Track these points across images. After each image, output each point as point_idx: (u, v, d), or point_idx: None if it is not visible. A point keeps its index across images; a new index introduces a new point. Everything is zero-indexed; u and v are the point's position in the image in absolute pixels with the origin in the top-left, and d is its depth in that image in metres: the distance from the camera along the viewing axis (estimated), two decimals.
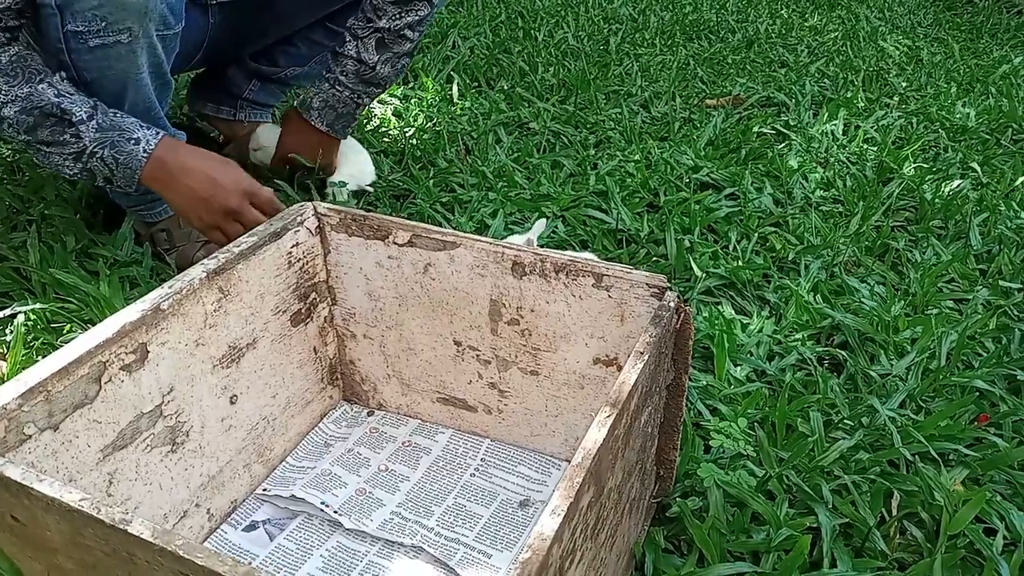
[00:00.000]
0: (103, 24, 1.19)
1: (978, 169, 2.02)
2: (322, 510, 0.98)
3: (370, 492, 1.02)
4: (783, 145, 2.11)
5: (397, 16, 1.51)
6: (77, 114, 1.18)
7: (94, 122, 1.19)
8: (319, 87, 1.61)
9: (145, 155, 1.22)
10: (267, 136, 1.70)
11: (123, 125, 1.21)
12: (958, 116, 2.39)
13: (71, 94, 1.18)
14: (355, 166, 1.72)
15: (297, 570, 0.92)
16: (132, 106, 1.25)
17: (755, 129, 2.17)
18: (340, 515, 0.98)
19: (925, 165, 2.02)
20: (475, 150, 1.97)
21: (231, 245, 0.93)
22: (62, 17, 1.17)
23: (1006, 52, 3.20)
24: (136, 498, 0.85)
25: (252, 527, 0.98)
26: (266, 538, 0.97)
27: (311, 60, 1.77)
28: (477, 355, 1.04)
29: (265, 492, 1.02)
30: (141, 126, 1.23)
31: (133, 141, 1.21)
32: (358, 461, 1.07)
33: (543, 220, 1.49)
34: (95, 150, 1.20)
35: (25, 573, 0.72)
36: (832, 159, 2.03)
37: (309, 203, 1.03)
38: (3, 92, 1.15)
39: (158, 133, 1.24)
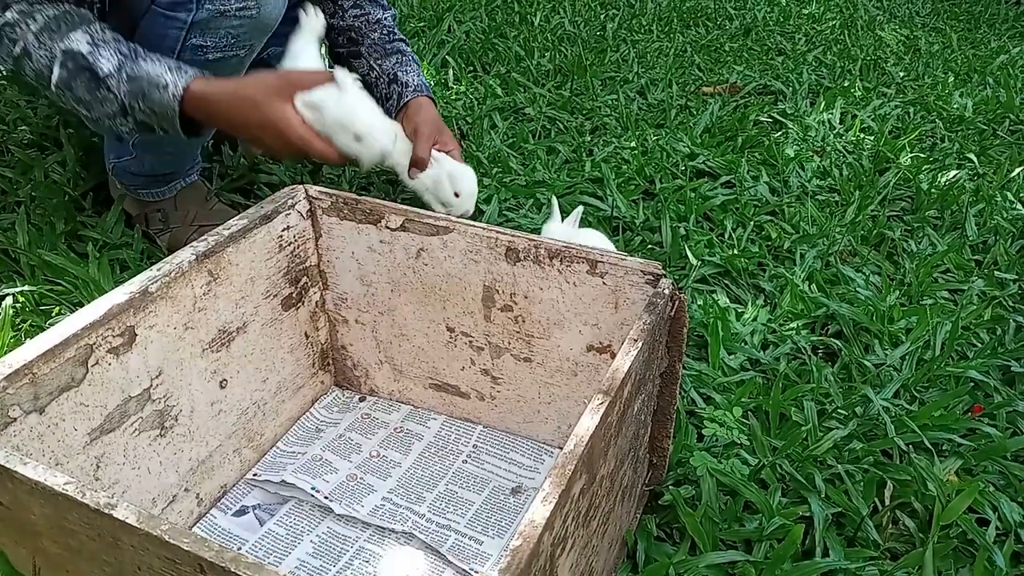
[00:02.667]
0: (232, 41, 1.20)
1: (975, 159, 2.01)
2: (312, 495, 0.97)
3: (361, 478, 1.01)
4: (780, 133, 2.10)
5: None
6: (104, 67, 1.09)
7: (123, 73, 1.09)
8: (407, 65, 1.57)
9: (174, 99, 1.10)
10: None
11: (151, 73, 1.10)
12: (955, 106, 2.38)
13: (103, 43, 1.09)
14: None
15: (287, 556, 0.92)
16: None
17: (752, 117, 2.16)
18: (331, 500, 0.97)
19: (922, 155, 2.02)
20: (470, 135, 1.95)
21: (221, 228, 0.92)
22: (188, 31, 1.16)
23: (1004, 42, 3.19)
24: (124, 482, 0.84)
25: (242, 512, 0.97)
26: (256, 523, 0.96)
27: (286, 36, 1.75)
28: (470, 341, 1.03)
29: (255, 477, 1.01)
30: (171, 68, 1.11)
31: (161, 87, 1.10)
32: (349, 447, 1.06)
33: (580, 208, 1.34)
34: (131, 103, 1.11)
35: (10, 557, 0.72)
36: (829, 148, 2.02)
37: (300, 186, 1.02)
38: (46, 47, 1.08)
39: (187, 74, 1.12)
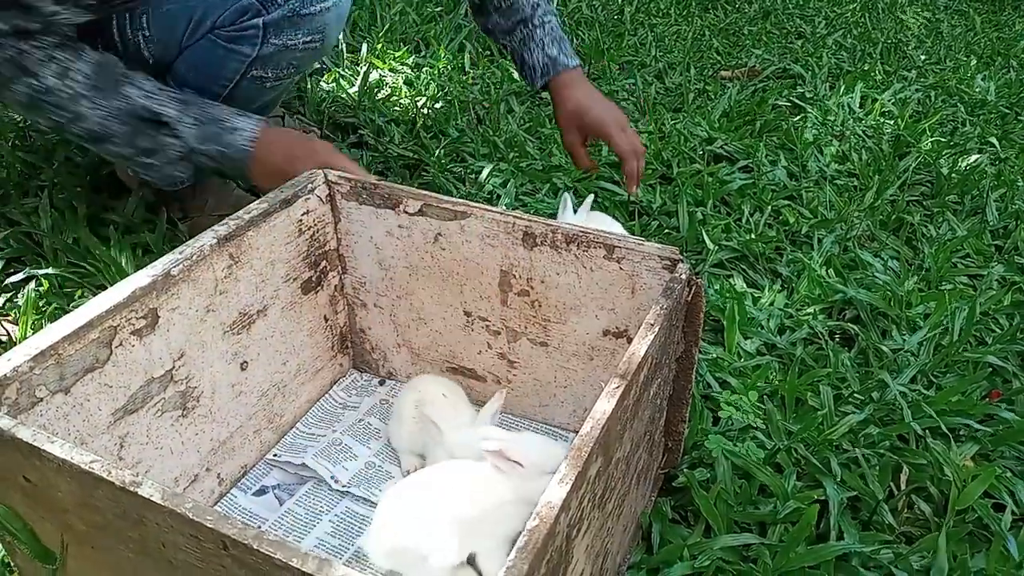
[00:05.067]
0: (292, 71, 1.21)
1: (996, 144, 1.99)
2: (331, 484, 0.99)
3: (380, 466, 1.03)
4: (799, 118, 2.08)
5: None
6: (168, 114, 1.09)
7: (189, 118, 1.10)
8: (530, 43, 1.40)
9: (247, 144, 1.11)
10: None
11: (219, 116, 1.12)
12: (977, 90, 2.35)
13: (156, 92, 1.09)
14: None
15: (307, 535, 0.93)
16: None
17: (770, 101, 2.14)
18: (349, 487, 0.98)
19: (942, 139, 2.00)
20: (487, 120, 1.95)
21: (242, 212, 0.93)
22: (251, 64, 1.17)
23: None
24: (147, 462, 0.85)
25: (262, 492, 0.99)
26: (276, 503, 0.97)
27: None
28: (487, 325, 1.04)
29: (276, 458, 1.02)
30: (236, 114, 1.13)
31: (233, 131, 1.12)
32: (368, 432, 1.07)
33: (591, 197, 1.33)
34: (197, 146, 1.11)
35: (39, 533, 0.73)
36: (848, 132, 2.01)
37: (319, 171, 1.02)
38: (101, 108, 1.06)
39: (254, 119, 1.14)
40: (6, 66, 1.02)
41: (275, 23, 1.15)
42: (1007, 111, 2.23)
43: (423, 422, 0.98)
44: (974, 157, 1.90)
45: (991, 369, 1.21)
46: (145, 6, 1.14)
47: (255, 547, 0.55)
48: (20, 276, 1.26)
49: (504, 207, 1.30)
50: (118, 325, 0.79)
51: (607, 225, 1.29)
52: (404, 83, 2.11)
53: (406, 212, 1.00)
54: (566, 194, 1.28)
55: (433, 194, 0.99)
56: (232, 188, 1.47)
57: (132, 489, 0.59)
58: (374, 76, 2.11)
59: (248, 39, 1.16)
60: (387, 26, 2.41)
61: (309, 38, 1.18)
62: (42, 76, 1.03)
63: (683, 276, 0.85)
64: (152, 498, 0.58)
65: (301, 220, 1.00)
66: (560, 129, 1.41)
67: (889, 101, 2.21)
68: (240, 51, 1.17)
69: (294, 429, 1.07)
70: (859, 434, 1.07)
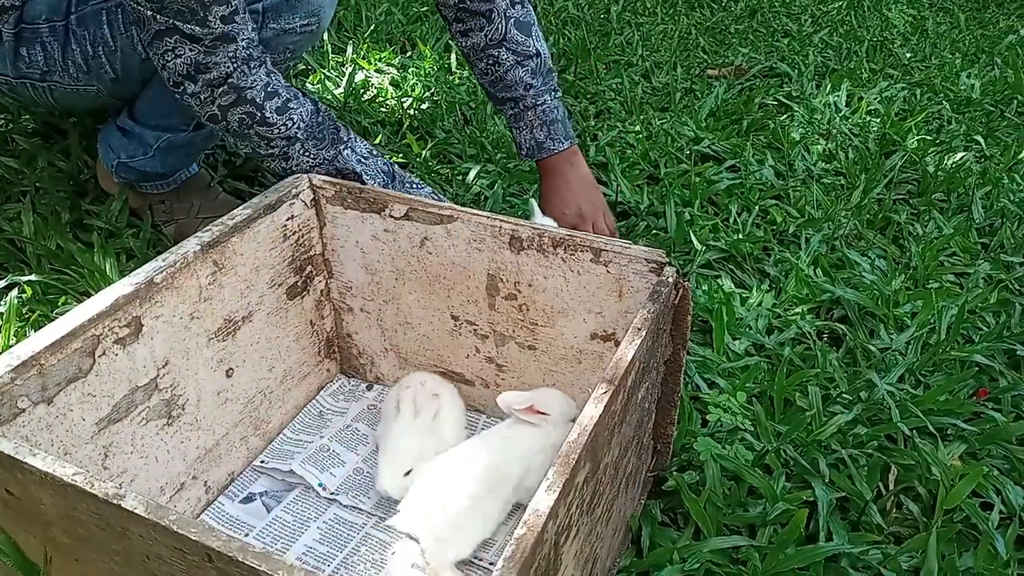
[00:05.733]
0: (289, 55, 1.23)
1: (982, 141, 2.00)
2: (319, 492, 0.98)
3: (368, 472, 1.02)
4: (785, 116, 2.09)
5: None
6: (370, 182, 1.12)
7: (391, 189, 1.13)
8: (519, 122, 1.38)
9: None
10: None
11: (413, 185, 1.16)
12: (962, 87, 2.36)
13: (367, 158, 1.13)
14: None
15: (294, 542, 0.92)
16: None
17: (757, 100, 2.14)
18: (337, 495, 0.98)
19: (928, 137, 2.00)
20: (473, 120, 1.95)
21: (225, 218, 0.92)
22: None
23: (1013, 22, 3.15)
24: (132, 471, 0.85)
25: (249, 499, 0.98)
26: (263, 510, 0.97)
27: None
28: (475, 329, 1.04)
29: (263, 464, 1.01)
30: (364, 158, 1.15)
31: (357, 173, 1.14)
32: (356, 438, 1.07)
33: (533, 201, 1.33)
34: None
35: (22, 546, 0.72)
36: (835, 131, 2.01)
37: (304, 175, 1.02)
38: (311, 157, 1.10)
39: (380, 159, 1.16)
40: (225, 90, 1.04)
41: (273, 7, 1.15)
42: (992, 109, 2.24)
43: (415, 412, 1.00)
44: (960, 155, 1.91)
45: (978, 368, 1.21)
46: None
47: (240, 559, 0.54)
48: (3, 283, 1.24)
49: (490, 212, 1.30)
50: (101, 334, 0.78)
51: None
52: (390, 84, 2.10)
53: (392, 216, 0.99)
54: (532, 200, 1.29)
55: (418, 198, 0.99)
56: (218, 192, 1.46)
57: (115, 502, 0.58)
58: (360, 77, 2.10)
59: None
60: (372, 26, 2.40)
61: (306, 21, 1.19)
62: (265, 109, 1.06)
63: (670, 279, 0.84)
64: (135, 511, 0.58)
65: (286, 225, 0.99)
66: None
67: (875, 99, 2.22)
68: None
69: (281, 435, 1.06)
70: (847, 434, 1.08)
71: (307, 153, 1.09)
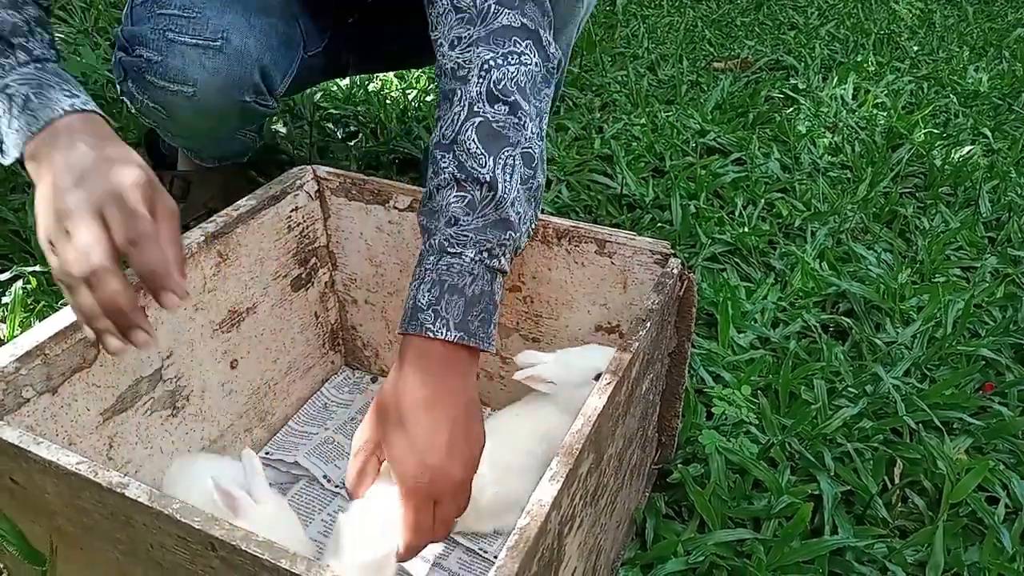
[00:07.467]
0: None
1: (989, 135, 1.99)
2: (323, 484, 0.98)
3: None
4: (791, 109, 2.08)
5: (489, 63, 0.84)
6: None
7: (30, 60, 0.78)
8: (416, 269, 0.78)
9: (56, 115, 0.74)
10: None
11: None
12: (970, 81, 2.35)
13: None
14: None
15: None
16: None
17: (763, 93, 2.13)
18: (341, 488, 0.98)
19: (935, 131, 1.99)
20: None
21: (229, 209, 0.92)
22: None
23: (1021, 15, 3.14)
24: (136, 461, 0.85)
25: None
26: None
27: None
28: None
29: (267, 456, 1.02)
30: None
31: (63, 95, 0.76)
32: None
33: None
34: (10, 83, 0.76)
35: (27, 535, 0.73)
36: (841, 124, 2.00)
37: (308, 166, 1.02)
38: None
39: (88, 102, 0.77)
40: None
41: None
42: (1000, 102, 2.23)
43: None
44: (967, 148, 1.90)
45: (984, 362, 1.21)
46: None
47: (243, 548, 0.54)
48: (8, 274, 1.25)
49: None
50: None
51: None
52: (395, 76, 2.10)
53: (396, 208, 0.99)
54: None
55: (424, 189, 0.98)
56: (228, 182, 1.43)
57: (119, 491, 0.59)
58: None
59: None
60: None
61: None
62: None
63: (675, 271, 0.84)
64: (139, 499, 0.58)
65: (290, 216, 0.99)
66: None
67: (882, 92, 2.21)
68: None
69: (285, 427, 1.06)
70: (852, 428, 1.07)
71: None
